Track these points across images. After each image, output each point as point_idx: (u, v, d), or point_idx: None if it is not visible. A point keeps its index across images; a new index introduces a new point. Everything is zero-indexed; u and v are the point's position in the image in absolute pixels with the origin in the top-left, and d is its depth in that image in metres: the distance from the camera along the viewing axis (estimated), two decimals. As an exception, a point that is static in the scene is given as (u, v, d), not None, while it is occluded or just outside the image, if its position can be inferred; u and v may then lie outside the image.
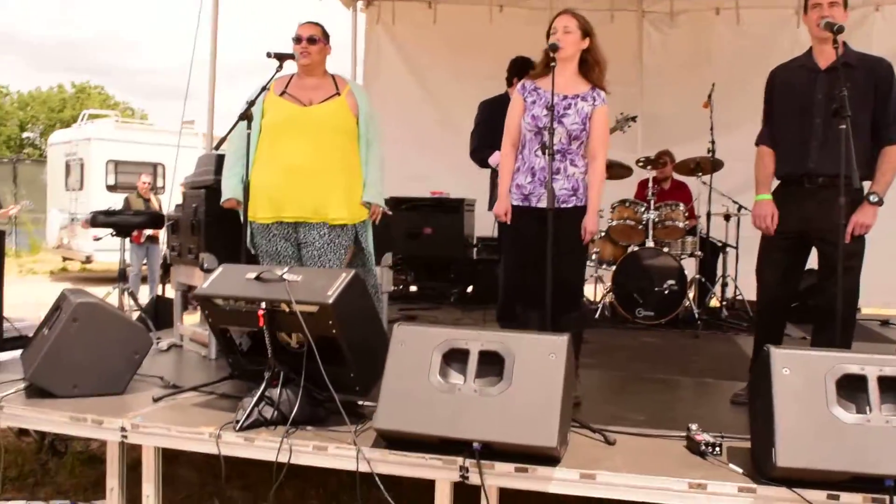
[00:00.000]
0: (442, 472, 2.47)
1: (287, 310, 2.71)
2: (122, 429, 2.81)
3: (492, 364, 2.50)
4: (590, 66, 3.46)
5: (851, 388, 2.31)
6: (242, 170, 3.66)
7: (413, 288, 7.76)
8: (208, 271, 4.02)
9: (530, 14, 7.87)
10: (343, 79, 3.82)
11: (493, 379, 2.48)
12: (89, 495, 3.19)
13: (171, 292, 6.08)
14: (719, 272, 6.60)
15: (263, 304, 2.75)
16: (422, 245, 7.31)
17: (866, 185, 3.29)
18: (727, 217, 6.53)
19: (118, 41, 63.39)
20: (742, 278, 6.45)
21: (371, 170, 3.71)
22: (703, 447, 2.57)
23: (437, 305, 6.97)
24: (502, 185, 3.57)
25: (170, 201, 6.88)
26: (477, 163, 5.10)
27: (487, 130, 4.96)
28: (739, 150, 6.26)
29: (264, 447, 2.64)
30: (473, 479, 2.43)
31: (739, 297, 6.51)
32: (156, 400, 3.11)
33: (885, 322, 6.39)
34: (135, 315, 4.52)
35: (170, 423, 2.80)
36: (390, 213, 3.80)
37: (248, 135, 3.35)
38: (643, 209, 6.15)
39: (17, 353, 4.03)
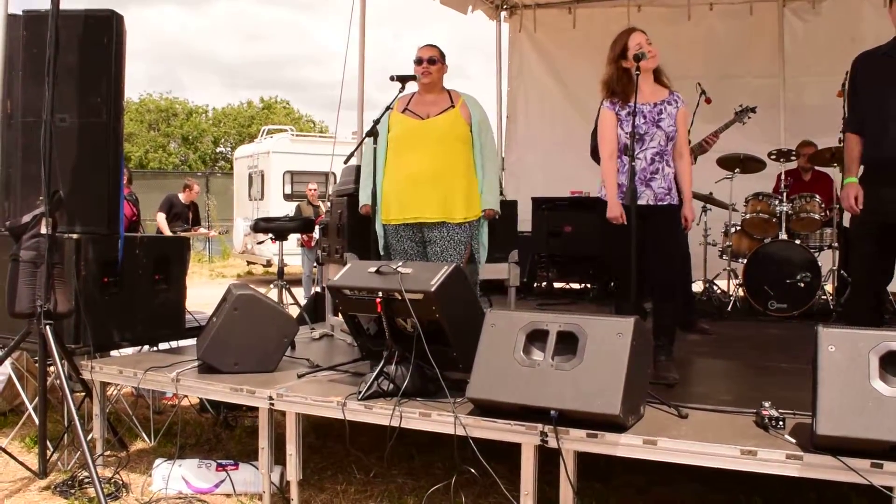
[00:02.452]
0: (525, 437, 2.85)
1: (399, 297, 3.20)
2: (270, 398, 3.41)
3: (568, 343, 2.85)
4: (660, 72, 3.75)
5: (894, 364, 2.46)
6: (372, 180, 4.22)
7: (556, 285, 8.09)
8: (351, 269, 4.63)
9: (668, 12, 8.01)
10: (458, 92, 4.28)
11: (569, 356, 2.84)
12: (251, 458, 3.85)
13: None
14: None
15: (380, 294, 3.26)
16: (562, 243, 7.62)
17: None
18: (851, 211, 6.36)
19: (304, 57, 67.75)
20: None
21: (487, 178, 4.15)
22: (767, 420, 2.79)
23: (574, 301, 7.26)
24: (610, 191, 3.89)
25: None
26: (597, 162, 5.38)
27: None
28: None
29: (380, 413, 3.14)
30: (552, 443, 2.80)
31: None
32: (300, 376, 3.70)
33: None
34: (293, 309, 5.20)
35: (307, 394, 3.37)
36: (499, 214, 4.22)
37: (375, 149, 3.88)
38: (777, 202, 6.16)
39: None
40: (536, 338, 2.93)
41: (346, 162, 4.04)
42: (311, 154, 14.12)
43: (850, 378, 2.46)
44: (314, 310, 5.77)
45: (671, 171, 3.76)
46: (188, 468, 3.71)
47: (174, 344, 4.69)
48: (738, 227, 6.44)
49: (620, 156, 3.81)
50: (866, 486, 2.42)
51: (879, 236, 3.50)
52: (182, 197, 10.44)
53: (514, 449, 2.93)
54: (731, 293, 6.61)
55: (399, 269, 3.29)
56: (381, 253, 4.28)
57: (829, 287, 6.12)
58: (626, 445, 2.72)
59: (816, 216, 6.06)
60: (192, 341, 4.61)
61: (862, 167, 3.66)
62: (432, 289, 3.09)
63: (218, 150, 37.22)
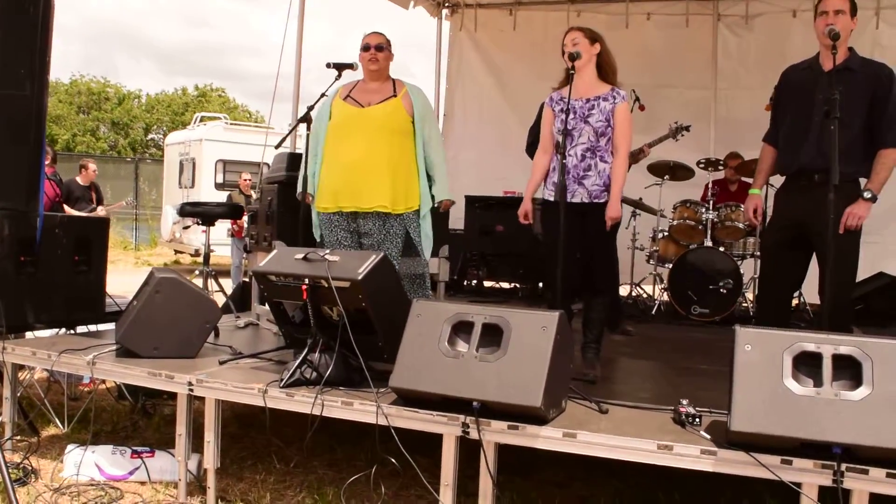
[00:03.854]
0: (447, 428, 2.85)
1: (326, 285, 3.16)
2: (189, 383, 3.33)
3: (493, 335, 2.86)
4: (603, 69, 3.78)
5: (808, 365, 2.54)
6: (314, 168, 4.15)
7: (486, 283, 8.13)
8: (279, 257, 4.56)
9: (606, 19, 8.14)
10: (402, 82, 4.22)
11: (493, 348, 2.84)
12: (169, 447, 3.74)
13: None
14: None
15: (307, 280, 3.21)
16: (494, 242, 7.67)
17: (861, 182, 3.48)
18: (750, 223, 6.59)
19: (238, 47, 66.64)
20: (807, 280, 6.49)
21: (437, 170, 4.15)
22: (684, 417, 2.85)
23: (505, 300, 7.32)
24: (527, 190, 3.95)
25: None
26: (531, 158, 5.43)
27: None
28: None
29: (302, 401, 3.09)
30: (473, 434, 2.80)
31: (800, 297, 6.55)
32: (221, 363, 3.62)
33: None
34: (218, 297, 5.09)
35: (228, 380, 3.29)
36: (453, 202, 4.23)
37: (308, 136, 3.82)
38: (703, 209, 6.32)
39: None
40: (462, 329, 2.92)
41: (276, 147, 3.97)
42: (245, 143, 13.89)
43: (765, 377, 2.52)
44: (241, 299, 5.66)
45: (608, 167, 3.78)
46: (102, 454, 3.58)
47: (93, 328, 4.53)
48: (666, 233, 6.58)
49: (554, 153, 3.85)
50: (778, 484, 2.49)
51: (791, 244, 3.61)
52: (80, 179, 10.14)
53: (438, 441, 2.92)
54: (655, 297, 6.75)
55: (327, 256, 3.25)
56: (318, 241, 4.23)
57: (749, 294, 6.30)
58: (547, 438, 2.74)
59: (740, 225, 6.24)
60: (111, 325, 4.47)
61: (781, 177, 3.78)
62: (359, 277, 3.06)
63: (149, 137, 36.25)
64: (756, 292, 6.26)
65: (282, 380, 3.18)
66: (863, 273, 7.05)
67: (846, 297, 3.45)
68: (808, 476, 2.46)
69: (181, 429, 3.39)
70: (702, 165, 6.58)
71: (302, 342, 3.43)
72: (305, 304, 3.43)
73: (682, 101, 7.58)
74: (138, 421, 4.54)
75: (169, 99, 37.05)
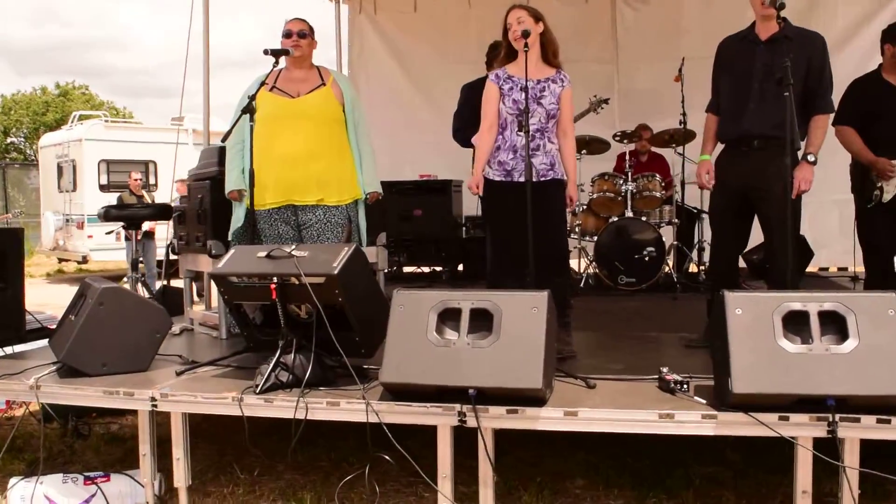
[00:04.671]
0: (442, 419, 2.79)
1: (297, 282, 3.01)
2: (152, 398, 3.11)
3: (482, 320, 2.81)
4: (547, 49, 3.77)
5: (796, 323, 2.64)
6: (243, 162, 3.95)
7: (407, 269, 8.06)
8: (216, 256, 4.33)
9: (507, -1, 8.15)
10: (327, 70, 4.11)
11: (484, 333, 2.80)
12: (116, 468, 3.49)
13: (175, 282, 6.36)
14: (695, 238, 6.93)
15: (275, 279, 3.05)
16: (413, 227, 7.58)
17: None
18: (701, 186, 6.83)
19: (100, 42, 63.18)
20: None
21: (365, 161, 4.03)
22: (673, 385, 2.90)
23: (429, 284, 7.27)
24: (477, 162, 3.91)
25: (171, 196, 7.16)
26: (460, 143, 5.40)
27: (469, 112, 5.26)
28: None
29: (282, 406, 2.94)
30: (470, 422, 2.74)
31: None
32: (178, 374, 3.40)
33: (853, 278, 6.74)
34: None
35: (195, 391, 3.10)
36: (382, 195, 4.13)
37: (252, 127, 3.63)
38: (621, 181, 6.47)
39: (41, 343, 4.32)
40: (448, 317, 2.86)
41: (223, 140, 3.75)
42: (129, 142, 13.21)
43: (758, 338, 2.60)
44: (164, 305, 5.36)
45: (554, 147, 3.79)
46: (51, 485, 3.30)
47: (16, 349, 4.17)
48: (585, 207, 6.70)
49: (501, 131, 3.81)
50: (739, 440, 2.58)
51: (738, 206, 3.73)
52: None
53: (418, 434, 2.84)
54: (581, 270, 6.88)
55: (293, 252, 3.10)
56: (232, 237, 4.06)
57: (670, 260, 6.51)
58: (548, 419, 2.73)
59: (657, 194, 6.43)
60: (34, 345, 4.14)
61: (721, 144, 3.89)
62: (335, 271, 2.93)
63: (9, 140, 33.83)
64: (675, 257, 6.55)
65: (257, 386, 3.02)
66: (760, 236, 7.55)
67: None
68: (805, 430, 2.57)
69: (145, 448, 3.18)
70: (618, 138, 6.73)
71: (267, 344, 3.28)
72: (266, 304, 3.28)
73: (588, 75, 7.68)
74: (73, 443, 4.24)
75: (27, 99, 34.68)
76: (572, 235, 6.80)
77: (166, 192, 11.61)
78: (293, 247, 3.14)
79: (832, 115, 3.74)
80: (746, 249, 6.99)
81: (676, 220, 6.53)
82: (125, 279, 5.53)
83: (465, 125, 5.27)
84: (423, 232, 7.59)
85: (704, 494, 3.22)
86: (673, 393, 2.89)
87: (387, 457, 2.92)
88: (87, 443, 4.22)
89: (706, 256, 6.89)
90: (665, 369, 3.05)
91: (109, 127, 13.78)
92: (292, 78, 3.97)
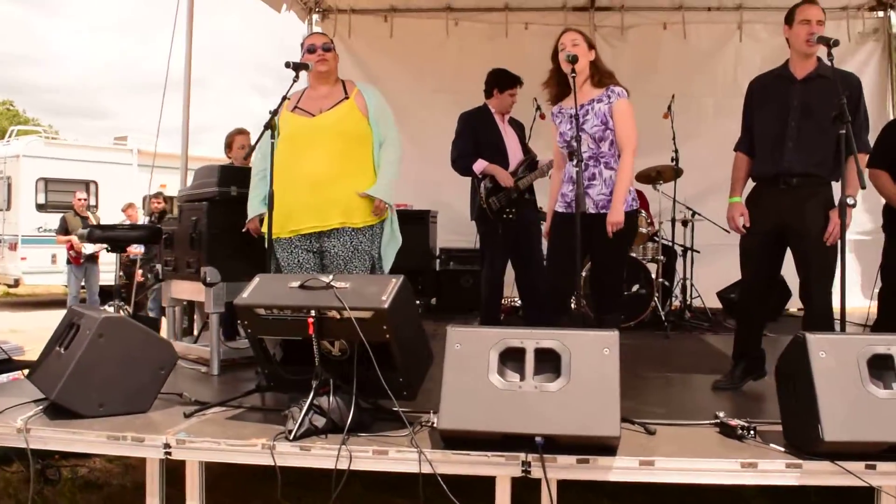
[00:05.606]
0: (504, 469, 2.55)
1: (338, 317, 2.75)
2: (166, 445, 2.77)
3: (547, 361, 2.60)
4: (599, 76, 3.62)
5: (879, 367, 2.52)
6: (266, 187, 3.63)
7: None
8: (211, 285, 4.01)
9: (486, 28, 8.09)
10: (352, 82, 3.83)
11: (550, 375, 2.58)
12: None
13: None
14: (678, 276, 6.88)
15: (313, 312, 2.77)
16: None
17: (835, 186, 3.59)
18: (685, 223, 6.83)
19: (20, 59, 60.95)
20: (698, 282, 6.78)
21: (383, 169, 3.70)
22: (740, 431, 2.75)
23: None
24: (549, 207, 3.88)
25: (144, 218, 6.69)
26: (460, 171, 5.20)
27: (468, 140, 5.10)
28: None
29: (321, 455, 2.64)
30: (535, 472, 2.52)
31: (696, 298, 6.82)
32: (187, 416, 3.07)
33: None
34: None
35: (216, 437, 2.78)
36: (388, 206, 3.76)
37: (273, 144, 3.36)
38: (607, 216, 6.36)
39: (4, 377, 3.91)
40: (510, 357, 2.64)
41: (245, 158, 3.44)
42: (69, 160, 12.53)
43: (845, 383, 2.47)
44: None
45: (612, 174, 3.62)
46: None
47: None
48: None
49: (563, 165, 3.70)
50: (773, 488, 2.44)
51: (773, 242, 3.64)
52: None
53: (462, 484, 2.59)
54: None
55: (332, 283, 2.83)
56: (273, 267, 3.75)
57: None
58: (622, 469, 2.53)
59: (644, 230, 6.35)
60: (5, 377, 3.74)
61: (753, 183, 3.80)
62: (385, 305, 2.68)
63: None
64: (659, 294, 6.47)
65: (290, 431, 2.72)
66: (736, 274, 7.58)
67: (828, 302, 3.52)
68: (892, 479, 2.43)
69: (153, 501, 2.83)
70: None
71: (293, 384, 2.99)
72: (291, 340, 3.00)
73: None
74: (42, 489, 3.80)
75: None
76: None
77: (109, 214, 11.07)
78: (330, 277, 2.87)
79: (867, 156, 3.70)
80: (722, 289, 7.19)
81: (662, 258, 6.46)
82: (107, 306, 5.11)
83: (464, 153, 5.09)
84: (399, 263, 7.30)
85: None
86: (740, 439, 2.73)
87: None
88: (58, 489, 3.79)
89: (689, 294, 6.88)
90: (722, 414, 2.91)
91: (49, 144, 13.06)
92: (316, 95, 3.71)
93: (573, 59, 3.47)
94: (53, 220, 10.96)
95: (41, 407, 3.13)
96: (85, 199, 10.11)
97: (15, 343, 3.70)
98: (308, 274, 3.07)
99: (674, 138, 6.43)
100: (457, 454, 2.58)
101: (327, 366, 2.89)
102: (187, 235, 4.12)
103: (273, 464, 2.67)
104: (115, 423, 2.98)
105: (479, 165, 4.99)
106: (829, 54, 3.24)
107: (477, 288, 6.48)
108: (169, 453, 2.78)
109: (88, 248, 9.96)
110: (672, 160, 6.44)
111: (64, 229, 9.91)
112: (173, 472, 2.90)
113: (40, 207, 12.23)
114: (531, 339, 2.64)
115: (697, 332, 6.09)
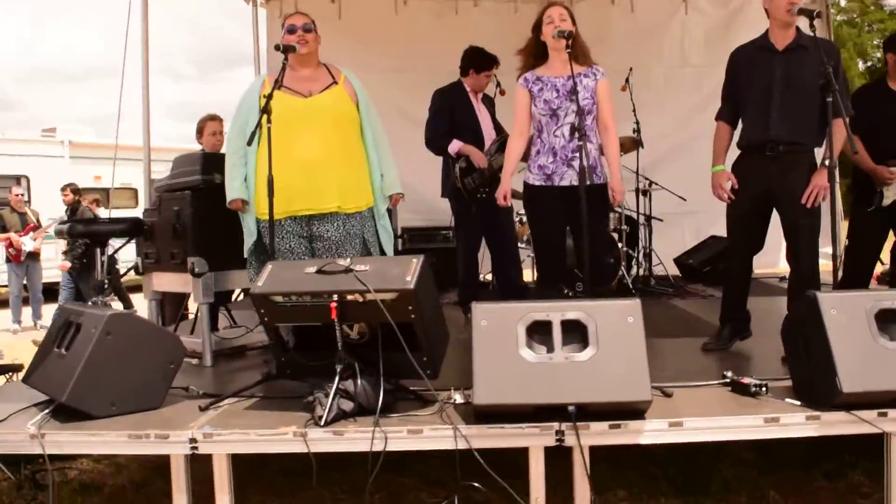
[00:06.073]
0: (538, 439, 2.61)
1: (361, 299, 2.75)
2: (192, 440, 2.73)
3: (574, 332, 2.67)
4: (576, 52, 3.67)
5: (887, 321, 2.67)
6: (245, 169, 3.60)
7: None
8: (199, 275, 3.93)
9: (435, 6, 8.05)
10: (336, 67, 3.81)
11: (577, 346, 2.65)
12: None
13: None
14: (640, 244, 7.05)
15: (336, 296, 2.76)
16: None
17: (817, 151, 3.75)
18: (643, 192, 6.99)
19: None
20: (657, 250, 6.98)
21: (384, 161, 3.74)
22: (753, 388, 2.87)
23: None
24: (505, 170, 3.78)
25: (83, 212, 6.44)
26: (434, 151, 5.21)
27: (443, 118, 5.11)
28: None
29: (356, 438, 2.66)
30: (569, 441, 2.59)
31: (658, 265, 7.01)
32: (203, 409, 3.03)
33: (782, 278, 7.08)
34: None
35: (244, 428, 2.75)
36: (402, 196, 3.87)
37: (269, 129, 3.31)
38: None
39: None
40: (537, 331, 2.69)
41: (248, 144, 3.36)
42: (3, 155, 11.99)
43: (856, 337, 2.61)
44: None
45: (594, 147, 3.69)
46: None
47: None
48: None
49: (538, 135, 3.70)
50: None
51: (760, 209, 3.76)
52: None
53: (494, 456, 2.65)
54: (535, 278, 6.83)
55: (352, 266, 2.83)
56: (248, 253, 3.71)
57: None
58: (653, 431, 2.62)
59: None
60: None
61: (739, 151, 3.91)
62: (411, 285, 2.69)
63: None
64: (623, 262, 6.63)
65: (320, 417, 2.72)
66: (693, 240, 7.80)
67: (815, 262, 3.68)
68: (902, 424, 2.60)
69: (181, 498, 2.79)
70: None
71: (312, 370, 2.99)
72: (305, 326, 2.99)
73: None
74: (35, 496, 3.69)
75: None
76: (525, 245, 6.75)
77: (44, 207, 10.66)
78: (348, 261, 2.87)
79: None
80: (679, 255, 7.41)
81: (626, 227, 6.60)
82: (89, 303, 4.94)
83: (440, 133, 5.10)
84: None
85: (750, 495, 3.18)
86: (754, 396, 2.85)
87: (478, 485, 2.70)
88: (58, 494, 3.68)
89: (652, 261, 7.06)
90: (729, 373, 3.04)
91: (-27, 138, 12.49)
92: (300, 77, 3.66)
93: (569, 35, 3.52)
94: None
95: (47, 410, 3.04)
96: (22, 195, 9.72)
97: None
98: (328, 259, 3.03)
99: (633, 110, 6.55)
100: (492, 428, 2.63)
101: (347, 350, 2.89)
102: (170, 226, 4.02)
103: (307, 450, 2.67)
104: (131, 421, 2.92)
105: (455, 146, 5.01)
106: (812, 26, 3.36)
107: (442, 265, 6.54)
108: (195, 448, 2.74)
109: (28, 245, 9.59)
110: (634, 131, 6.57)
111: (1, 227, 9.51)
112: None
113: (-29, 204, 11.68)
114: (556, 311, 2.70)
115: (665, 297, 6.27)
